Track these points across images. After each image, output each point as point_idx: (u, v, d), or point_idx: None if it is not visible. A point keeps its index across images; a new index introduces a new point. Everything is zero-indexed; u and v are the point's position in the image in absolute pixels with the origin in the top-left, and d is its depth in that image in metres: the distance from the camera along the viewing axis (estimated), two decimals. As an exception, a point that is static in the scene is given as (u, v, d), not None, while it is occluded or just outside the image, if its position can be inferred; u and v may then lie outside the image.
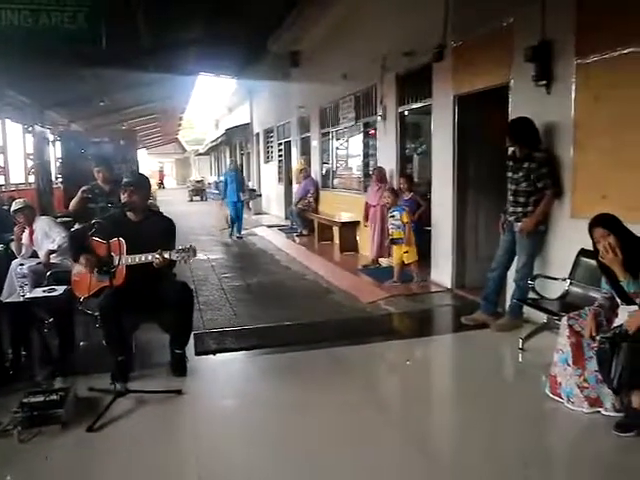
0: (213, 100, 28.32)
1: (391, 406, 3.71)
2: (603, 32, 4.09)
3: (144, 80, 12.72)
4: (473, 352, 4.60)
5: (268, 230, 12.50)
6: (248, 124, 19.11)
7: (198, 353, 4.42)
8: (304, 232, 11.51)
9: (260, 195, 17.28)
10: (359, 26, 8.47)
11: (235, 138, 21.69)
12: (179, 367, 3.99)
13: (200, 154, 34.54)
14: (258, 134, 18.13)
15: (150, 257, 3.80)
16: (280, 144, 15.15)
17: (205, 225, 13.99)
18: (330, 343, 4.65)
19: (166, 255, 3.79)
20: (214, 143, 25.31)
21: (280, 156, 15.24)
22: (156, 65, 11.45)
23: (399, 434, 3.17)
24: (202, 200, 26.85)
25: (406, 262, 6.61)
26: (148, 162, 34.56)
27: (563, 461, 2.98)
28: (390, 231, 6.61)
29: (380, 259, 7.96)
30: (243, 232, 12.18)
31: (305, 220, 11.53)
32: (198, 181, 29.83)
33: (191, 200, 26.54)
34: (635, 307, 3.09)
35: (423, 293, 6.35)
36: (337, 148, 10.85)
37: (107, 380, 3.67)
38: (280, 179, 15.33)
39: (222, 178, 12.91)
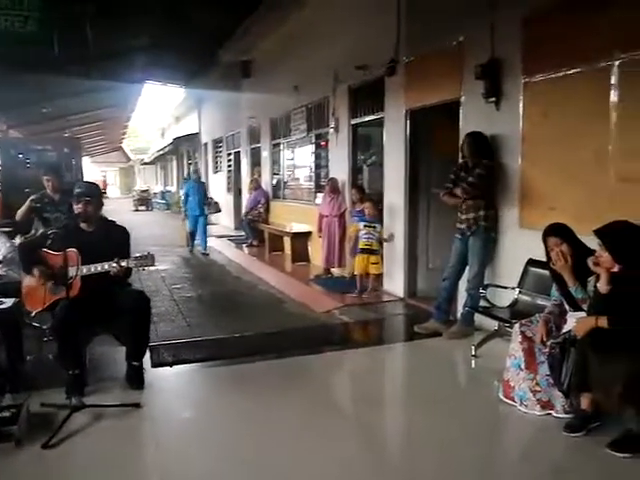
0: (159, 109, 27.96)
1: (347, 414, 3.75)
2: (548, 53, 4.31)
3: (89, 87, 12.45)
4: (427, 359, 4.71)
5: (218, 240, 12.38)
6: (196, 134, 18.94)
7: (154, 365, 4.36)
8: (254, 243, 11.47)
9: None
10: (312, 39, 8.58)
11: (183, 147, 21.45)
12: (136, 379, 3.92)
13: (145, 163, 33.93)
14: (206, 144, 18.00)
15: (107, 266, 3.73)
16: (229, 154, 15.08)
17: (154, 235, 13.74)
18: (286, 353, 4.66)
19: (123, 263, 3.73)
20: (160, 152, 24.92)
21: (229, 166, 15.17)
22: (102, 72, 11.24)
23: (354, 441, 3.21)
24: (148, 210, 26.35)
25: (375, 273, 6.70)
26: (91, 170, 33.69)
27: (517, 461, 3.08)
28: (367, 241, 6.62)
29: (332, 269, 8.03)
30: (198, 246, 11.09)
31: (256, 231, 11.50)
32: (144, 190, 29.25)
33: (136, 210, 25.99)
34: (582, 313, 3.25)
35: (376, 302, 6.46)
36: (288, 159, 10.90)
37: (60, 395, 3.56)
38: (229, 189, 15.25)
39: (182, 190, 11.57)
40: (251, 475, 2.84)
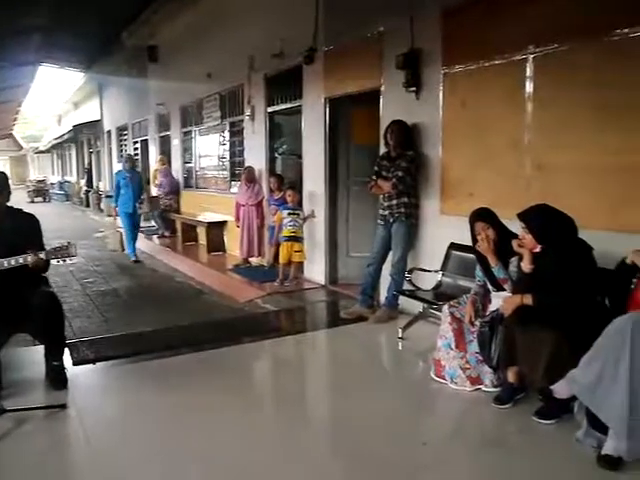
0: (56, 93, 26.34)
1: (277, 402, 3.75)
2: (467, 45, 4.49)
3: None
4: (354, 344, 4.81)
5: (119, 228, 11.90)
6: (98, 121, 18.06)
7: (76, 363, 4.14)
8: (166, 234, 11.17)
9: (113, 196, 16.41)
10: (225, 25, 8.41)
11: (83, 135, 20.39)
12: (59, 379, 3.70)
13: (40, 152, 31.96)
14: (110, 131, 17.22)
15: (22, 260, 3.49)
16: (136, 142, 14.52)
17: (56, 227, 13.00)
18: (210, 344, 4.57)
19: (41, 255, 3.51)
20: (58, 140, 23.56)
21: (136, 155, 14.59)
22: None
23: (288, 428, 3.21)
24: (45, 201, 24.90)
25: (298, 261, 6.70)
26: (-23, 159, 31.34)
27: (452, 434, 3.21)
28: (292, 228, 6.59)
29: (251, 258, 7.98)
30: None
31: (167, 221, 11.19)
32: (40, 181, 27.61)
33: (32, 201, 24.47)
34: (506, 293, 3.44)
35: (299, 290, 6.48)
36: (201, 147, 10.66)
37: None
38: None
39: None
40: (183, 469, 2.77)
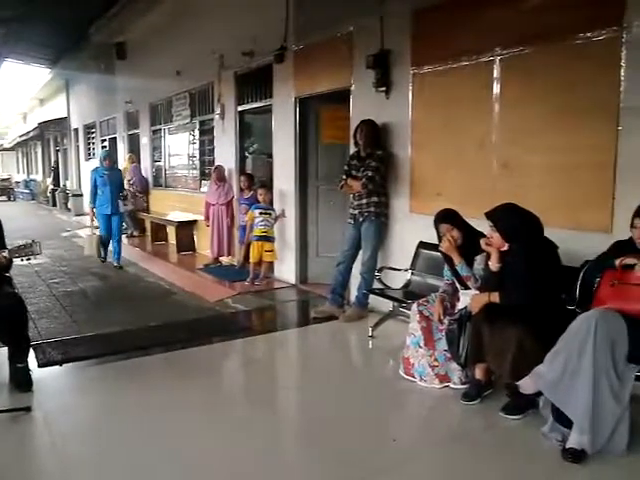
0: (21, 90, 25.71)
1: (249, 401, 3.72)
2: (436, 46, 4.54)
3: None
4: (325, 343, 4.83)
5: (96, 232, 11.71)
6: (65, 118, 17.73)
7: (42, 365, 4.07)
8: (135, 233, 11.04)
9: (82, 195, 16.15)
10: (194, 22, 8.33)
11: (49, 133, 19.99)
12: (23, 382, 3.62)
13: (5, 149, 31.21)
14: (77, 129, 16.92)
15: (-17, 259, 3.41)
16: (104, 140, 14.29)
17: (21, 227, 12.71)
18: (180, 344, 4.54)
19: (4, 253, 3.44)
20: (23, 138, 23.05)
21: (104, 153, 14.38)
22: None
23: (259, 427, 3.19)
24: (10, 200, 24.34)
25: (268, 260, 6.68)
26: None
27: (421, 430, 3.25)
28: (264, 228, 6.58)
29: (221, 258, 7.94)
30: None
31: (136, 220, 11.05)
32: (4, 179, 27.03)
33: (-5, 200, 23.94)
34: (474, 291, 3.49)
35: (269, 290, 6.48)
36: (170, 146, 10.55)
37: None
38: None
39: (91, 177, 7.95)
40: (154, 469, 2.75)
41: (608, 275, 2.94)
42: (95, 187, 7.93)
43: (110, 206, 7.87)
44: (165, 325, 5.20)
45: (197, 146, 9.33)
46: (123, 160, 12.43)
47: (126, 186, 10.82)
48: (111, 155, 8.41)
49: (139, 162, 11.51)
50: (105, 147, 14.13)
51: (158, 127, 10.70)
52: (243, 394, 3.91)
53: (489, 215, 3.30)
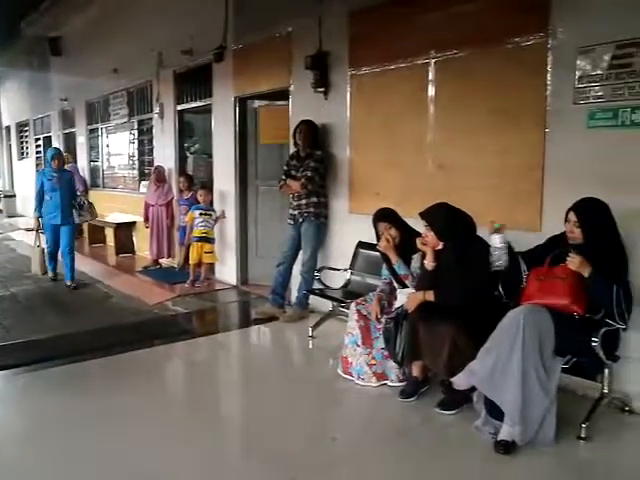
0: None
1: (190, 403, 3.68)
2: (373, 48, 4.59)
3: None
4: (266, 343, 4.83)
5: (29, 234, 11.28)
6: (-6, 116, 17.00)
7: (-28, 374, 3.89)
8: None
9: (14, 195, 15.52)
10: (132, 19, 8.14)
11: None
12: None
13: None
14: (9, 127, 16.26)
15: None
16: (38, 139, 13.77)
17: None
18: (118, 349, 4.41)
19: None
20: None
21: (38, 152, 13.86)
22: None
23: (200, 428, 3.16)
24: None
25: (209, 262, 6.60)
26: None
27: (359, 428, 3.28)
28: (204, 229, 6.49)
29: (161, 259, 7.79)
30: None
31: (72, 221, 10.68)
32: None
33: None
34: (410, 290, 3.55)
35: (210, 291, 6.41)
36: (108, 145, 10.26)
37: None
38: (39, 178, 13.94)
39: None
40: (93, 476, 2.68)
41: (535, 272, 3.05)
42: (42, 192, 6.64)
43: (60, 215, 6.56)
44: (102, 329, 5.06)
45: (136, 146, 9.11)
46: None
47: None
48: (61, 154, 6.89)
49: (75, 162, 11.15)
50: (38, 146, 13.64)
51: (95, 126, 10.40)
52: (183, 397, 3.85)
53: (423, 215, 3.36)
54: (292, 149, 5.24)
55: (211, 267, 6.75)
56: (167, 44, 7.26)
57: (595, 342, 2.83)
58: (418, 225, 3.59)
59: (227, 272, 6.64)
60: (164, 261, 7.79)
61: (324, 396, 3.62)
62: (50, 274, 6.97)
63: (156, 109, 7.88)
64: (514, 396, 2.76)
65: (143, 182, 8.82)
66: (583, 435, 2.92)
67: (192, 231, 6.56)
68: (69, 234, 6.70)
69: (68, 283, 6.71)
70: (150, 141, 8.50)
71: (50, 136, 12.84)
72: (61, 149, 7.73)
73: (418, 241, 3.40)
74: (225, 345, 4.93)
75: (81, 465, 2.79)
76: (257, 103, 6.14)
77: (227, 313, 5.88)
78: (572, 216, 3.00)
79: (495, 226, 3.13)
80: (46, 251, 6.86)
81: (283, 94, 5.55)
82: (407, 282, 3.62)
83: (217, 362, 4.59)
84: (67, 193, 6.65)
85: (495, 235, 3.13)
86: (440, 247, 3.33)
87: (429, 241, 3.34)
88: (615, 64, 3.18)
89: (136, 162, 9.13)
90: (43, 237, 6.80)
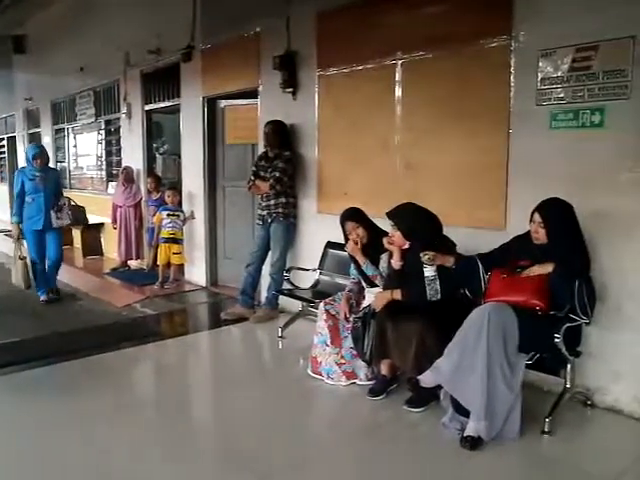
0: None
1: (159, 404, 3.65)
2: (341, 49, 4.61)
3: None
4: (235, 344, 4.81)
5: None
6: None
7: None
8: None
9: None
10: (98, 17, 8.01)
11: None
12: None
13: None
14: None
15: None
16: (2, 139, 13.48)
17: None
18: (86, 352, 4.34)
19: None
20: None
21: (2, 153, 13.58)
22: None
23: (169, 430, 3.15)
24: None
25: (177, 263, 6.55)
26: None
27: (329, 426, 3.31)
28: (172, 230, 6.45)
29: (129, 261, 7.70)
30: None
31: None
32: None
33: None
34: (379, 289, 3.58)
35: (179, 292, 6.37)
36: (75, 146, 10.09)
37: None
38: (3, 179, 13.66)
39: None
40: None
41: (498, 270, 3.11)
42: (22, 194, 5.78)
43: (43, 219, 5.78)
44: (69, 332, 4.98)
45: (104, 146, 8.98)
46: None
47: None
48: (43, 151, 5.96)
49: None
50: (2, 147, 13.34)
51: (61, 126, 10.22)
52: (152, 399, 3.80)
53: (390, 215, 3.40)
54: (261, 149, 5.23)
55: (180, 268, 6.70)
56: (134, 43, 7.18)
57: (558, 338, 2.90)
58: (386, 224, 3.62)
59: (197, 273, 6.59)
60: (133, 263, 7.70)
61: (294, 396, 3.62)
62: (43, 296, 6.02)
63: (124, 109, 7.79)
64: (479, 393, 2.81)
65: (111, 183, 8.70)
66: (547, 429, 2.98)
67: (160, 232, 6.50)
68: (56, 241, 5.95)
69: (43, 297, 6.00)
70: (118, 141, 8.39)
71: (14, 136, 12.60)
72: (44, 145, 6.70)
73: (384, 240, 3.43)
74: (195, 346, 4.90)
75: (48, 469, 2.74)
76: (224, 103, 6.12)
77: (197, 314, 5.83)
78: (537, 217, 3.06)
79: (425, 258, 3.16)
80: (29, 263, 5.88)
81: (253, 94, 5.53)
82: (377, 281, 3.65)
83: (187, 363, 4.55)
84: (51, 195, 5.81)
85: (427, 267, 3.17)
86: (407, 246, 3.37)
87: (395, 240, 3.38)
88: (575, 67, 3.25)
89: (104, 163, 9.00)
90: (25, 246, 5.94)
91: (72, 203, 7.06)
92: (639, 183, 3.07)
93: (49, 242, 5.94)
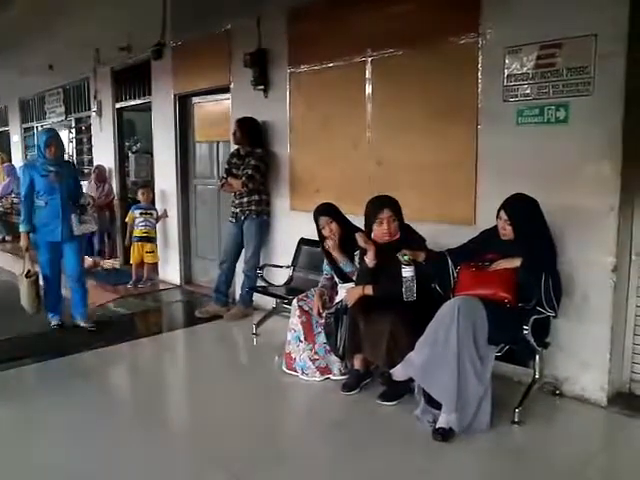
0: None
1: (133, 404, 3.65)
2: (311, 46, 4.62)
3: None
4: (210, 342, 4.79)
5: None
6: None
7: None
8: (8, 238, 10.29)
9: None
10: (68, 11, 7.86)
11: None
12: None
13: None
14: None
15: None
16: (-31, 139, 13.21)
17: None
18: (57, 353, 4.30)
19: None
20: None
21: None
22: None
23: (144, 430, 3.14)
24: None
25: (151, 262, 6.52)
26: None
27: (304, 421, 3.35)
28: (144, 229, 6.42)
29: (103, 261, 7.62)
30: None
31: (8, 224, 10.31)
32: None
33: None
34: (351, 284, 3.60)
35: (154, 291, 6.33)
36: (45, 144, 9.93)
37: None
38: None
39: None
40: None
41: (467, 264, 3.16)
42: (31, 195, 4.56)
43: (61, 228, 4.58)
44: (40, 334, 4.90)
45: (74, 145, 8.87)
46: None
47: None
48: (58, 138, 4.69)
49: (10, 161, 10.75)
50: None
51: (30, 124, 10.07)
52: (125, 399, 3.79)
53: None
54: (232, 147, 5.22)
55: (154, 267, 6.66)
56: (104, 40, 7.08)
57: (526, 330, 2.96)
58: (356, 220, 3.66)
59: (171, 272, 6.56)
60: (106, 262, 7.63)
61: (269, 392, 3.63)
62: (53, 321, 4.92)
63: (94, 107, 7.70)
64: (450, 385, 2.85)
65: (83, 182, 8.57)
66: (517, 419, 3.05)
67: (133, 231, 6.45)
68: (76, 254, 4.77)
69: (81, 323, 4.90)
70: (89, 140, 8.31)
71: (-18, 135, 12.36)
72: (54, 130, 4.92)
73: (359, 238, 3.44)
74: (169, 345, 4.88)
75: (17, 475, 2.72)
76: (194, 100, 6.09)
77: (171, 313, 5.82)
78: (503, 214, 3.11)
79: (404, 258, 3.16)
80: (41, 282, 4.82)
81: (225, 92, 5.52)
82: (354, 278, 3.66)
83: (161, 362, 4.53)
84: (68, 195, 4.63)
85: (405, 268, 3.17)
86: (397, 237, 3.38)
87: (392, 232, 3.36)
88: (540, 64, 3.32)
89: (75, 161, 8.87)
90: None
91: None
92: (602, 177, 3.14)
93: (67, 255, 4.75)
